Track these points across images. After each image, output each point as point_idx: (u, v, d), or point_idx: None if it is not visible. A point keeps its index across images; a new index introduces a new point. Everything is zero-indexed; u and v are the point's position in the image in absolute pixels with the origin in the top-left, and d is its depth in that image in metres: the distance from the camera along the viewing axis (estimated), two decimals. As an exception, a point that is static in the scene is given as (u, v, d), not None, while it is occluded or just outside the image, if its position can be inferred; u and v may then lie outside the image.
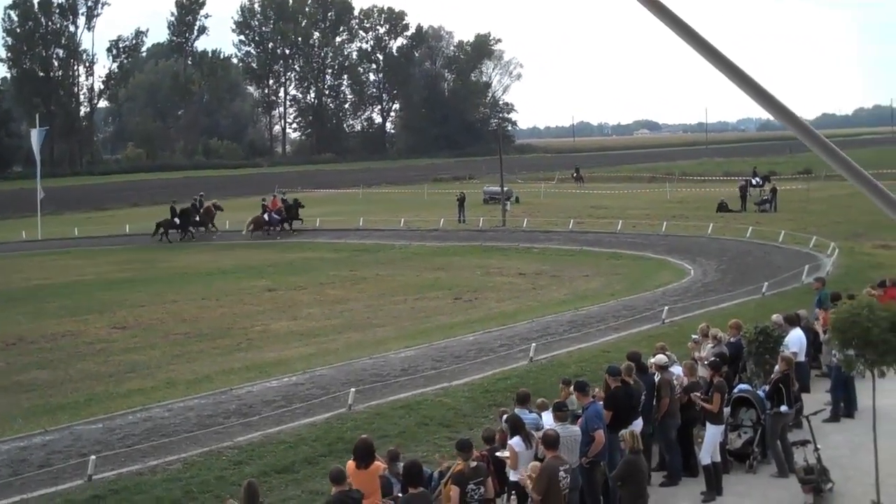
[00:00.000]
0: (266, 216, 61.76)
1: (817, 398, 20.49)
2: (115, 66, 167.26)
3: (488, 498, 13.88)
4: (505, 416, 16.00)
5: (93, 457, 17.55)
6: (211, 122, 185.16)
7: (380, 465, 13.50)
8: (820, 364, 22.88)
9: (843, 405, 20.49)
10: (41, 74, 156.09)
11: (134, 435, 20.20)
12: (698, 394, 17.18)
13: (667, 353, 18.77)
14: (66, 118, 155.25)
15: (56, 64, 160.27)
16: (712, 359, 18.23)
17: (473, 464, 13.52)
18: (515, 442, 14.46)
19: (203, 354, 28.95)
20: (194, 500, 16.29)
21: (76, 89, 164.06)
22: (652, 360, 17.83)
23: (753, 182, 72.26)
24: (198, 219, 62.93)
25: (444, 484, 14.75)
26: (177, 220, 61.13)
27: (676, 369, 18.38)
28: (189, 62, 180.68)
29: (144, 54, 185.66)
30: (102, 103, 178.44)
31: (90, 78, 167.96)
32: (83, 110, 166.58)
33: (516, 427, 14.65)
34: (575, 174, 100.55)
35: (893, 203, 3.35)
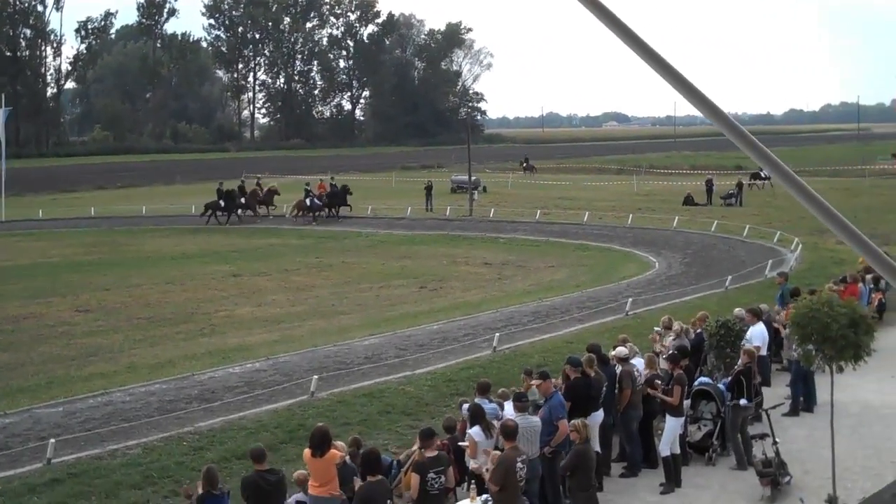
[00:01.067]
0: (308, 200, 59.91)
1: (778, 392, 20.69)
2: (83, 47, 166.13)
3: (449, 487, 13.92)
4: (466, 406, 16.06)
5: (52, 440, 17.46)
6: (179, 105, 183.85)
7: (336, 453, 13.47)
8: (781, 358, 23.06)
9: (803, 399, 20.67)
10: (8, 54, 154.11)
11: (94, 419, 20.10)
12: (658, 384, 17.28)
13: (628, 344, 18.88)
14: (32, 99, 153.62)
15: (23, 44, 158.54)
16: (671, 352, 18.34)
17: (434, 453, 13.55)
18: (475, 431, 14.51)
19: (166, 339, 28.82)
20: (154, 486, 16.23)
21: (43, 70, 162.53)
22: (613, 352, 17.92)
23: (762, 175, 72.53)
24: (243, 200, 61.15)
25: (403, 472, 14.78)
26: (221, 203, 59.79)
27: (639, 361, 18.48)
28: (158, 45, 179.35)
29: (113, 36, 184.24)
30: (70, 84, 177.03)
31: (58, 59, 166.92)
32: (50, 91, 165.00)
33: (476, 416, 14.71)
34: (524, 164, 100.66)
35: (818, 202, 3.38)
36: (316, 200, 59.91)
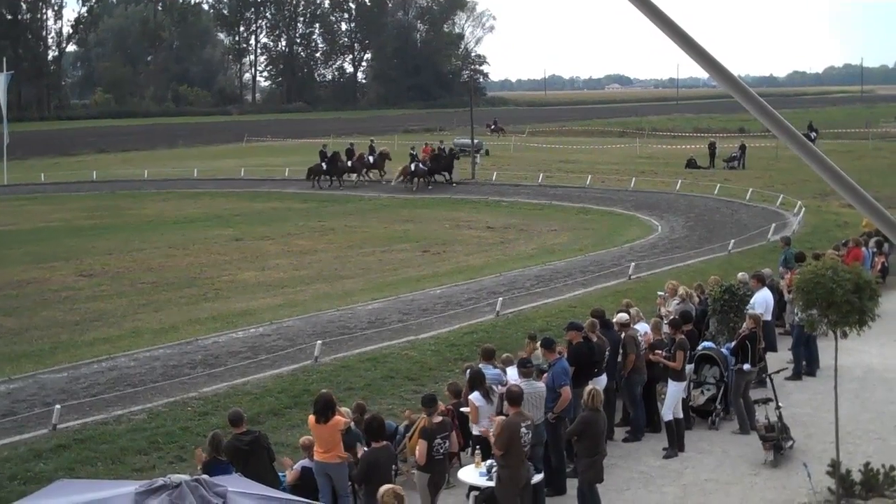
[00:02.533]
0: (412, 166, 56.61)
1: (780, 357, 20.71)
2: (84, 10, 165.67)
3: (453, 451, 13.98)
4: (468, 371, 16.13)
5: (57, 406, 17.51)
6: (180, 68, 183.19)
7: (340, 419, 13.53)
8: (784, 322, 23.09)
9: (805, 364, 20.73)
10: (9, 17, 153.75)
11: (99, 384, 20.16)
12: (661, 352, 17.31)
13: (633, 309, 18.91)
14: (33, 62, 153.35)
15: (24, 7, 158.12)
16: (673, 317, 18.36)
17: (439, 418, 13.61)
18: (475, 397, 14.57)
19: (169, 304, 28.83)
20: (160, 451, 16.31)
21: (44, 33, 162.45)
22: (615, 317, 17.94)
23: (812, 136, 72.48)
24: (350, 164, 58.87)
25: (408, 438, 14.86)
26: (324, 166, 58.04)
27: (642, 326, 18.51)
28: (159, 7, 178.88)
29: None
30: (71, 48, 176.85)
31: (59, 22, 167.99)
32: (51, 54, 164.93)
33: (475, 382, 14.75)
34: (492, 126, 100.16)
35: (827, 165, 3.36)
36: (421, 165, 56.71)
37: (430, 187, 56.07)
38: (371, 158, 59.86)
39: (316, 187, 57.29)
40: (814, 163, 3.38)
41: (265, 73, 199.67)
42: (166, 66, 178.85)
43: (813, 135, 74.53)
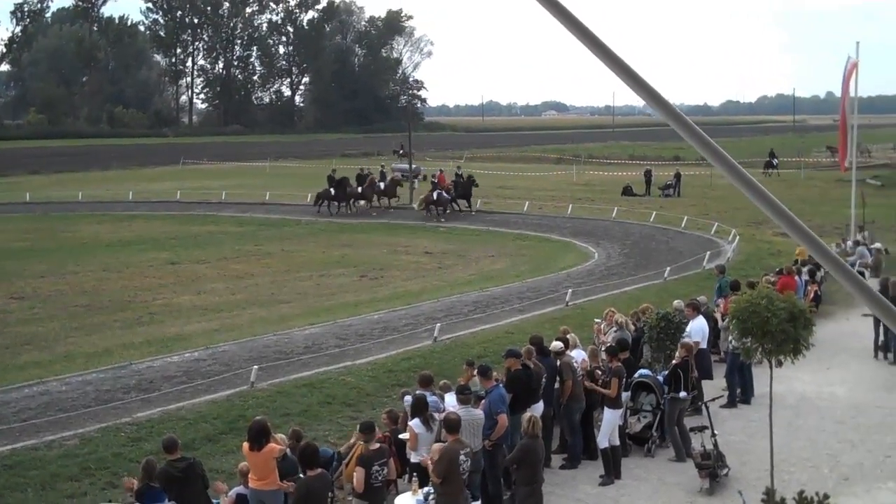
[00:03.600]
0: (435, 194, 53.90)
1: (716, 384, 20.87)
2: (18, 29, 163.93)
3: (390, 478, 13.90)
4: (407, 397, 16.08)
5: (-13, 431, 17.21)
6: (116, 89, 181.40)
7: (275, 447, 13.38)
8: (719, 350, 23.29)
9: (740, 391, 20.91)
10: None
11: (30, 409, 19.84)
12: (599, 376, 17.37)
13: (570, 335, 18.98)
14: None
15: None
16: (610, 344, 18.44)
17: (376, 445, 13.54)
18: (415, 424, 14.51)
19: (103, 327, 28.48)
20: (91, 477, 16.04)
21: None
22: (550, 346, 17.96)
23: (774, 163, 78.73)
24: (359, 190, 56.71)
25: (345, 465, 14.76)
26: (332, 191, 55.93)
27: (579, 353, 18.56)
28: (95, 28, 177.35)
29: (49, 19, 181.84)
30: (4, 67, 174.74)
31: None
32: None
33: (418, 409, 14.68)
34: (400, 150, 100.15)
35: (761, 193, 3.39)
36: (444, 194, 53.95)
37: (445, 214, 53.72)
38: (382, 185, 58.11)
39: (323, 213, 55.58)
40: (748, 191, 3.40)
41: (202, 96, 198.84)
42: (101, 86, 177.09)
43: (775, 161, 79.00)
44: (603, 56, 3.41)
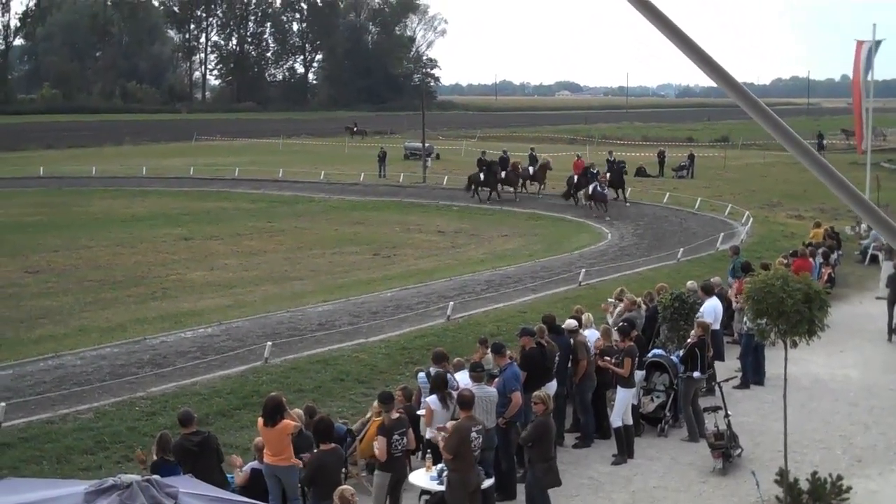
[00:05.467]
0: (591, 188, 47.34)
1: (728, 365, 20.86)
2: (32, 3, 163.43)
3: (410, 449, 13.94)
4: (420, 374, 16.13)
5: (2, 403, 17.29)
6: (129, 65, 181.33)
7: (289, 423, 13.39)
8: (732, 331, 23.26)
9: (753, 373, 20.89)
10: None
11: (45, 382, 19.93)
12: (609, 359, 17.37)
13: (584, 315, 18.98)
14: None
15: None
16: (622, 324, 18.44)
17: (396, 415, 13.57)
18: (432, 400, 14.51)
19: (117, 302, 28.56)
20: (106, 451, 16.12)
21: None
22: (564, 324, 17.94)
23: (823, 143, 76.54)
24: (503, 175, 51.77)
25: (359, 441, 14.82)
26: (482, 176, 51.44)
27: (592, 332, 18.54)
28: (109, 3, 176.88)
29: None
30: (18, 41, 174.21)
31: (6, 14, 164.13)
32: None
33: (438, 385, 14.64)
34: (353, 129, 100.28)
35: (831, 172, 3.38)
36: (598, 188, 47.14)
37: (606, 210, 46.79)
38: (531, 169, 54.00)
39: (475, 199, 51.70)
40: (816, 169, 3.39)
41: (215, 72, 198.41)
42: (115, 62, 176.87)
43: (824, 142, 78.44)
44: (667, 31, 3.38)
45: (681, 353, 18.40)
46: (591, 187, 47.52)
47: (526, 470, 14.69)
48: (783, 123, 3.38)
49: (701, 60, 3.38)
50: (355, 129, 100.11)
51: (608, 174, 49.36)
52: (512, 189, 52.42)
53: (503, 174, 51.71)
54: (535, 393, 14.33)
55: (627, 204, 48.98)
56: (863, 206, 3.38)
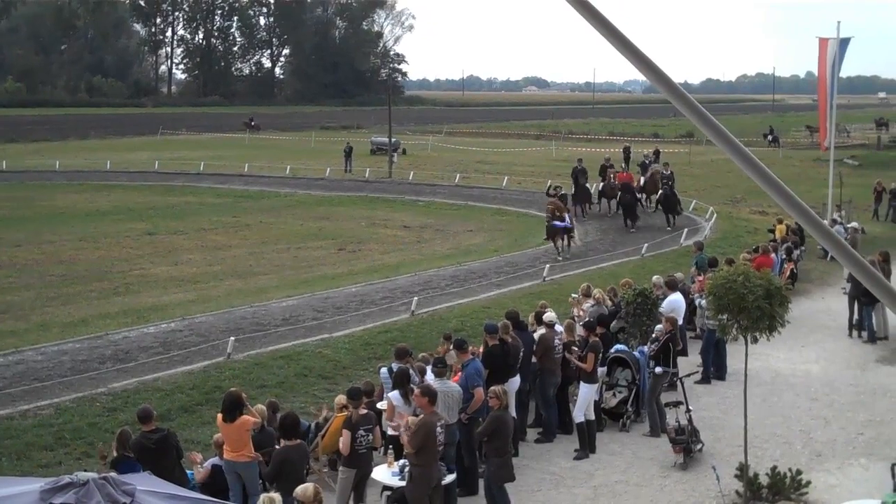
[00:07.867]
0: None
1: (690, 360, 20.96)
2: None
3: (374, 446, 13.94)
4: (382, 370, 16.12)
5: (-39, 399, 17.15)
6: (95, 58, 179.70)
7: (249, 419, 13.36)
8: (694, 327, 23.37)
9: (714, 368, 21.00)
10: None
11: (4, 378, 19.77)
12: (575, 351, 17.42)
13: (547, 310, 19.02)
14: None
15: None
16: (587, 319, 18.48)
17: (363, 411, 13.55)
18: (394, 396, 14.52)
19: (79, 297, 28.38)
20: (66, 447, 16.02)
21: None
22: (544, 316, 17.93)
23: (770, 139, 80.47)
24: (601, 187, 45.27)
25: (321, 437, 14.79)
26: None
27: (557, 328, 18.59)
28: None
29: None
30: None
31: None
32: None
33: (401, 381, 14.65)
34: (250, 123, 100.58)
35: (760, 169, 3.39)
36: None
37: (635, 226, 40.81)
38: (642, 179, 46.33)
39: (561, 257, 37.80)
40: (745, 165, 3.40)
41: (181, 66, 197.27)
42: (80, 55, 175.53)
43: (770, 138, 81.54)
44: (605, 31, 3.39)
45: (645, 348, 18.48)
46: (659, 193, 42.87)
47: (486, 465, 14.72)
48: (714, 120, 3.39)
49: (633, 55, 3.38)
50: (251, 123, 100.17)
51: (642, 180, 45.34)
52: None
53: (601, 186, 45.00)
54: (492, 388, 14.36)
55: (669, 227, 40.41)
56: (793, 205, 3.40)
